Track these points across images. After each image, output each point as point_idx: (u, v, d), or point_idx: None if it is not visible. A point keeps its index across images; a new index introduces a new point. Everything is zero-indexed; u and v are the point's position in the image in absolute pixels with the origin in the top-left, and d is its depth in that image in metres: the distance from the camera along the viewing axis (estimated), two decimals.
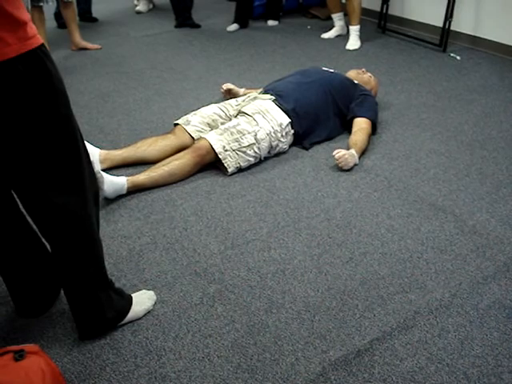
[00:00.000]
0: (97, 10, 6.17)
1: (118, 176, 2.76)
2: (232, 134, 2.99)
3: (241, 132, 3.00)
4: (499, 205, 2.77)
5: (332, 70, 3.61)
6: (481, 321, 2.08)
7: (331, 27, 5.54)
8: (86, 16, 5.98)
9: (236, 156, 2.97)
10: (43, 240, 1.87)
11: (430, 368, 1.88)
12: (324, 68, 3.64)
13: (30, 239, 1.93)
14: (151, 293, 2.16)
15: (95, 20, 6.06)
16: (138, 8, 6.46)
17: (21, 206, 1.79)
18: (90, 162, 1.76)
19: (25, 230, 1.92)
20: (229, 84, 3.84)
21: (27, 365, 1.56)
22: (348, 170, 3.05)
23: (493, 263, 2.37)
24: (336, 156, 3.02)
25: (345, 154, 3.02)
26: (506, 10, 4.77)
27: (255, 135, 3.02)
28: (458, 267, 2.35)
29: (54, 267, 1.96)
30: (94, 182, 1.84)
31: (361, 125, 3.31)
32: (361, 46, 5.19)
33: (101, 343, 1.97)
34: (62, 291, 1.97)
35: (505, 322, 2.07)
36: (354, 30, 5.20)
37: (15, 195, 1.74)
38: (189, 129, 3.16)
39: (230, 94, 3.75)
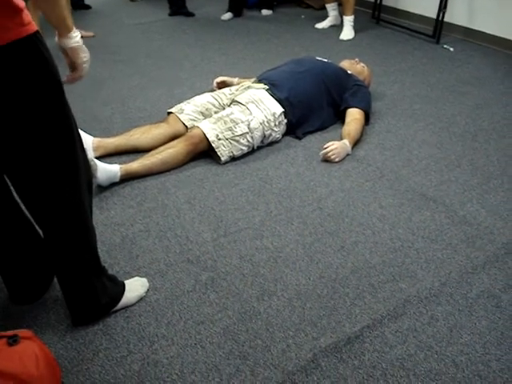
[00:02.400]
0: None
1: (111, 164, 2.77)
2: (225, 122, 3.00)
3: (234, 121, 3.01)
4: (489, 196, 2.79)
5: (326, 60, 3.61)
6: (470, 309, 2.10)
7: (325, 17, 5.54)
8: (79, 4, 5.95)
9: (229, 145, 2.98)
10: (36, 226, 1.87)
11: (420, 355, 1.91)
12: (318, 58, 3.65)
13: (23, 226, 1.94)
14: (144, 280, 2.18)
15: (89, 7, 6.04)
16: None
17: (14, 193, 1.79)
18: (83, 150, 1.77)
19: (18, 217, 1.92)
20: (220, 77, 3.79)
21: (21, 350, 1.58)
22: (340, 160, 3.06)
23: (482, 253, 2.40)
24: (321, 153, 3.07)
25: (335, 148, 3.05)
26: (499, 2, 4.79)
27: (248, 124, 3.03)
28: (448, 257, 2.37)
29: (47, 254, 1.96)
30: (87, 169, 1.84)
31: (354, 115, 3.33)
32: (354, 37, 5.20)
33: (94, 329, 1.99)
34: (56, 278, 1.98)
35: (493, 311, 2.09)
36: (348, 20, 5.20)
37: (8, 181, 1.74)
38: (182, 117, 3.16)
39: (223, 85, 3.73)
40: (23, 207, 1.82)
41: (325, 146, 3.07)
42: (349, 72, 3.57)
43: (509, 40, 4.80)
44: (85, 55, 1.70)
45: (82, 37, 1.71)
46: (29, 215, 1.83)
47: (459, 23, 5.17)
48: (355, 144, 3.20)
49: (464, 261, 2.35)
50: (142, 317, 2.04)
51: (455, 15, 5.13)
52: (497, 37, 4.88)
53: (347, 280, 2.23)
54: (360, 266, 2.31)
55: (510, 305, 2.12)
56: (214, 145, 2.95)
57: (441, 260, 2.35)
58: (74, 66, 1.71)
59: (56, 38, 1.65)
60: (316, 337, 1.97)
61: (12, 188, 1.75)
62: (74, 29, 1.66)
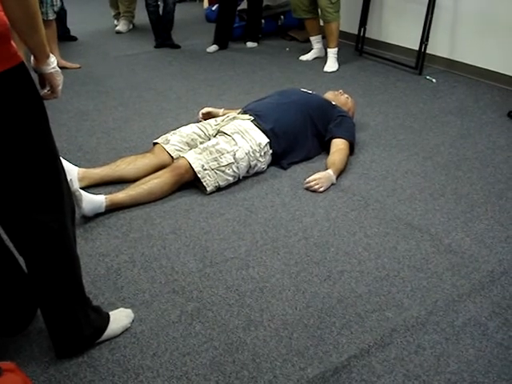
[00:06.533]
0: (77, 29, 6.18)
1: (96, 194, 2.76)
2: (211, 153, 3.01)
3: (220, 151, 3.02)
4: (474, 224, 2.81)
5: (310, 92, 3.65)
6: (456, 338, 2.10)
7: (309, 49, 5.61)
8: (65, 35, 5.96)
9: (215, 175, 2.99)
10: (17, 258, 1.85)
11: None
12: (302, 89, 3.69)
13: (4, 257, 1.92)
14: (129, 311, 2.15)
15: (74, 39, 6.07)
16: (117, 28, 6.50)
17: None
18: (66, 179, 1.77)
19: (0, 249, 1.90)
20: (206, 108, 3.83)
21: (4, 382, 1.55)
22: (325, 190, 3.07)
23: (468, 281, 2.40)
24: (305, 184, 3.10)
25: (319, 178, 3.09)
26: (480, 34, 4.88)
27: (234, 155, 3.04)
28: (433, 285, 2.37)
29: (30, 285, 1.94)
30: (70, 198, 1.84)
31: (339, 145, 3.35)
32: (338, 69, 5.27)
33: (78, 361, 1.96)
34: (39, 309, 1.95)
35: (480, 339, 2.09)
36: (332, 52, 5.27)
37: None
38: (168, 148, 3.17)
39: (209, 116, 3.74)
40: (5, 237, 1.80)
41: (307, 181, 3.10)
42: (333, 103, 3.61)
43: (490, 71, 4.88)
44: (60, 78, 1.77)
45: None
46: (11, 245, 1.81)
47: (441, 55, 5.26)
48: (340, 174, 3.22)
49: (450, 289, 2.35)
50: (127, 348, 2.02)
51: (437, 47, 5.22)
52: (478, 67, 4.97)
53: (334, 309, 2.23)
54: (346, 296, 2.30)
55: (496, 332, 2.13)
56: (199, 175, 2.96)
57: (427, 289, 2.35)
58: (51, 89, 1.77)
59: (32, 63, 1.68)
60: (303, 367, 1.95)
61: None
62: (51, 55, 1.70)
